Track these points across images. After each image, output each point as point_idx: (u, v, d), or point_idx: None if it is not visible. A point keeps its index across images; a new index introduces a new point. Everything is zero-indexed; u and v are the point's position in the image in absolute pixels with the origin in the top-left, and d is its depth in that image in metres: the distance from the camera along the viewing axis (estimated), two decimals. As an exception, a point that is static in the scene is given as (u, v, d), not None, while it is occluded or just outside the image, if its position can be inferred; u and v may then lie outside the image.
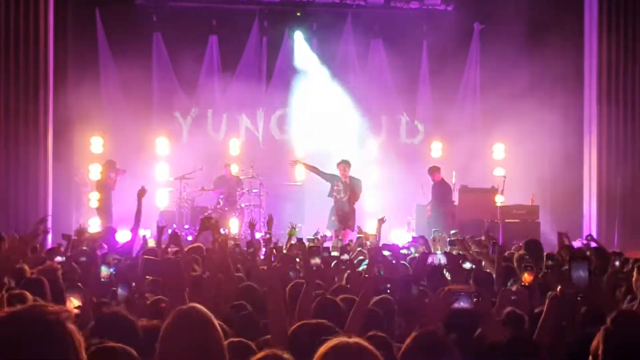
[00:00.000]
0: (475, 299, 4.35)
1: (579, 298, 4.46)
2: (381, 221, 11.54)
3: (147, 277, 6.33)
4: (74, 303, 5.13)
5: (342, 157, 14.79)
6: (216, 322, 3.47)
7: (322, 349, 2.82)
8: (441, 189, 15.64)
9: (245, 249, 9.48)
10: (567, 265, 4.68)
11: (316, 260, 5.33)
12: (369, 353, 2.80)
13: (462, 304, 4.32)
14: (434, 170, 15.91)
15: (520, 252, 8.52)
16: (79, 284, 5.44)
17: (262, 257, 8.75)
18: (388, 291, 5.63)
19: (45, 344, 2.24)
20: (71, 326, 2.30)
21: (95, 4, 16.89)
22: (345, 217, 14.02)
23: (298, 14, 18.05)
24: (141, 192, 9.53)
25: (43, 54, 14.76)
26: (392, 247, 8.86)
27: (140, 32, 17.26)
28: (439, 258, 6.18)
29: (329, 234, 13.64)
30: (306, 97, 18.19)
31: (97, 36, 17.01)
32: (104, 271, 6.78)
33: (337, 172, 14.58)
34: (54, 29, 15.04)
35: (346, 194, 14.10)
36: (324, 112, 18.22)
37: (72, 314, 2.34)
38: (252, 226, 10.36)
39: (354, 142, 18.13)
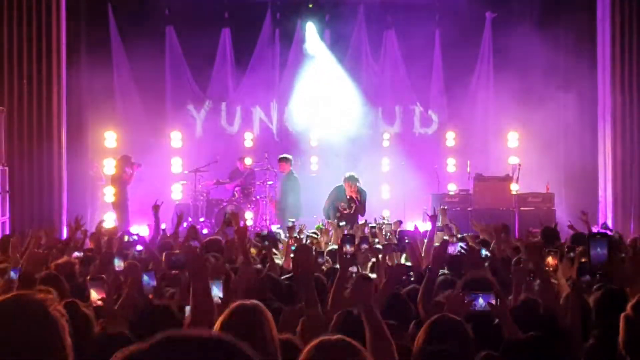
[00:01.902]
0: (494, 300, 4.33)
1: (597, 275, 4.44)
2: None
3: (172, 271, 6.34)
4: (95, 295, 5.16)
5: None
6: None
7: (306, 348, 2.87)
8: (289, 182, 15.27)
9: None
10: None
11: (348, 248, 5.29)
12: (354, 349, 2.82)
13: (482, 301, 4.31)
14: (282, 161, 15.49)
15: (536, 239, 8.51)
16: (103, 276, 5.48)
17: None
18: (412, 279, 5.60)
19: (29, 329, 2.36)
20: (55, 312, 2.40)
21: (108, -1, 16.93)
22: (348, 218, 13.73)
23: (310, 5, 18.03)
24: (155, 208, 9.56)
25: (56, 49, 14.80)
26: (413, 233, 8.83)
27: (153, 26, 17.25)
28: (460, 247, 6.16)
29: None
30: (319, 88, 18.19)
31: (110, 31, 17.05)
32: (117, 263, 6.83)
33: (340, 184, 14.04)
34: (66, 24, 15.08)
35: (351, 209, 13.78)
36: (337, 102, 18.21)
37: (55, 301, 2.46)
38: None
39: (368, 132, 18.13)
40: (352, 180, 13.80)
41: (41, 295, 2.47)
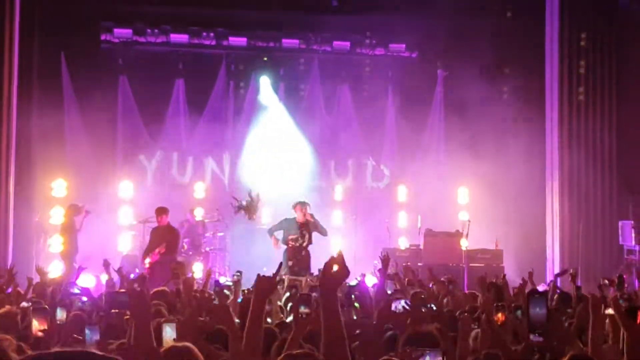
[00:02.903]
0: (442, 357, 4.33)
1: (537, 334, 4.45)
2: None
3: (113, 310, 6.25)
4: (37, 325, 5.03)
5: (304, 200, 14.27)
6: None
7: None
8: (169, 235, 13.97)
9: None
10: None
11: (305, 310, 5.22)
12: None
13: (429, 359, 4.29)
14: (163, 212, 14.05)
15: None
16: (46, 307, 5.36)
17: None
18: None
19: None
20: (12, 354, 2.38)
21: (61, 47, 16.85)
22: (301, 262, 13.62)
23: (265, 59, 18.17)
24: (105, 264, 9.57)
25: (7, 96, 14.66)
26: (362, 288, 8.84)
27: (106, 75, 17.22)
28: (402, 304, 6.18)
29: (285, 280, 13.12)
30: (272, 141, 18.24)
31: (62, 79, 16.97)
32: (59, 315, 6.67)
33: (292, 216, 13.82)
34: (18, 72, 14.96)
35: (303, 239, 13.60)
36: (290, 156, 18.26)
37: (12, 342, 2.43)
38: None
39: (320, 185, 18.18)
40: (303, 204, 13.62)
41: None
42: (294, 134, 18.30)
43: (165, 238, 13.59)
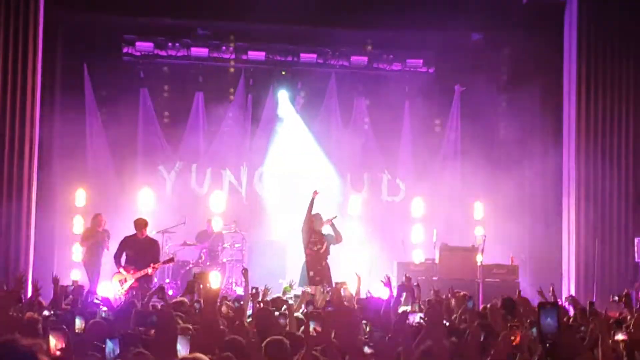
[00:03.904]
0: None
1: (547, 345, 4.53)
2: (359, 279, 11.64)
3: (139, 328, 6.34)
4: (55, 344, 5.12)
5: (323, 214, 14.60)
6: None
7: None
8: (154, 247, 14.04)
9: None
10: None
11: (315, 327, 5.29)
12: None
13: None
14: (144, 225, 13.98)
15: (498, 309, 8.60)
16: (64, 326, 5.45)
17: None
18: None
19: None
20: (43, 357, 2.42)
21: (84, 58, 17.11)
22: (322, 272, 13.86)
23: (283, 72, 18.35)
24: (55, 280, 9.81)
25: (30, 106, 14.86)
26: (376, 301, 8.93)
27: (128, 87, 17.47)
28: (419, 317, 6.24)
29: (308, 289, 13.32)
30: (289, 153, 18.39)
31: (85, 90, 17.21)
32: (78, 324, 6.74)
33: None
34: (41, 83, 15.18)
35: (322, 245, 13.95)
36: (306, 169, 18.38)
37: (42, 346, 2.47)
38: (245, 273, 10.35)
39: (336, 199, 18.26)
40: (317, 216, 14.08)
41: (30, 340, 2.50)
42: (310, 147, 18.44)
43: (150, 251, 13.86)
